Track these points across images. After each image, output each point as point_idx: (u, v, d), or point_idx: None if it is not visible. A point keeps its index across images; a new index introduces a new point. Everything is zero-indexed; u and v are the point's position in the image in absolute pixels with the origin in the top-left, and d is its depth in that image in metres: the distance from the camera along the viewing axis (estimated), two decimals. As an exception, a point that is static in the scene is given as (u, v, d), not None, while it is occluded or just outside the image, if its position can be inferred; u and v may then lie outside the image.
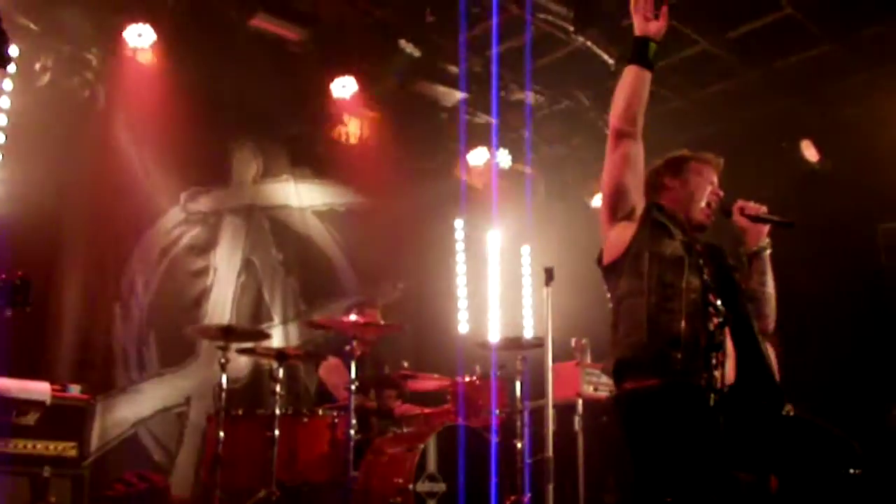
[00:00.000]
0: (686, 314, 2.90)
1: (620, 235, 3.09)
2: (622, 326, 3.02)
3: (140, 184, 6.68)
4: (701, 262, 3.02)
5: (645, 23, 3.12)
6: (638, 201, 3.11)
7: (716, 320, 2.93)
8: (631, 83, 3.10)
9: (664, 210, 3.15)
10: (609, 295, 3.17)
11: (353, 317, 5.46)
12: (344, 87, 6.96)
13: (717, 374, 2.86)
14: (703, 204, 3.20)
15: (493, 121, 7.63)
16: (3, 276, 3.39)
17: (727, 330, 2.95)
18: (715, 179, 3.27)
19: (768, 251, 3.28)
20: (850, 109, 7.23)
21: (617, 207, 3.10)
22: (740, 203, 3.28)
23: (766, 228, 3.27)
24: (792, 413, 2.99)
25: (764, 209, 3.27)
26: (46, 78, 6.04)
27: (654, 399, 2.89)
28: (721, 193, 3.25)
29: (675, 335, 2.88)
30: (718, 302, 2.96)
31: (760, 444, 2.92)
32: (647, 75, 3.11)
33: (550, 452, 4.10)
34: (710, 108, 7.43)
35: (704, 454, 2.79)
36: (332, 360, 6.11)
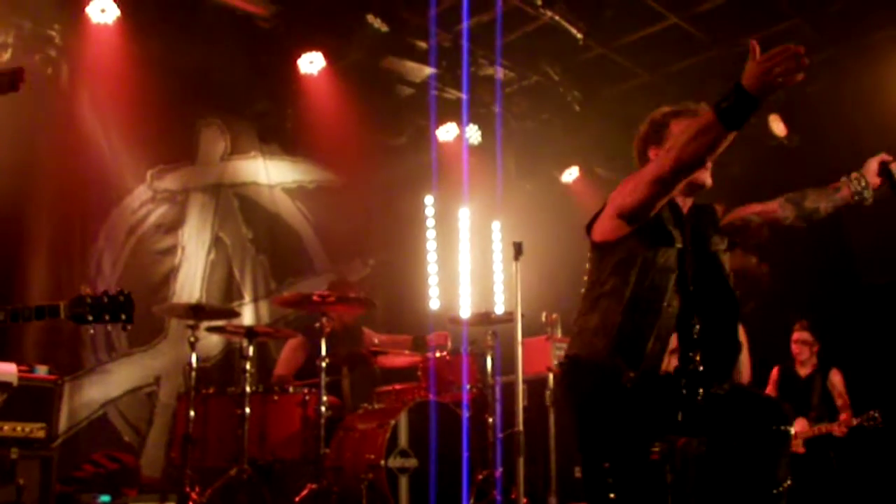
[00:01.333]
0: (655, 336, 2.93)
1: (621, 226, 2.99)
2: (592, 320, 3.02)
3: (105, 162, 6.59)
4: (689, 272, 3.00)
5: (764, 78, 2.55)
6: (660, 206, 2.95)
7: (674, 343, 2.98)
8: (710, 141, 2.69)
9: (672, 203, 3.02)
10: (588, 267, 3.14)
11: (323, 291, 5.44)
12: (311, 63, 6.88)
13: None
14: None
15: (464, 96, 7.60)
16: (105, 290, 3.55)
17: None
18: None
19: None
20: (817, 85, 7.29)
21: (630, 218, 2.96)
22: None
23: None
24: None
25: None
26: (7, 55, 5.90)
27: (593, 368, 2.97)
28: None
29: (637, 354, 2.91)
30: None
31: (697, 411, 2.98)
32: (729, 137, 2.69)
33: (521, 427, 4.13)
34: (679, 83, 7.45)
35: (642, 420, 2.91)
36: (292, 341, 6.13)
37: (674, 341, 2.99)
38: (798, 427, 6.35)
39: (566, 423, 5.22)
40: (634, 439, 2.92)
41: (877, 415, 6.13)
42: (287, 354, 6.17)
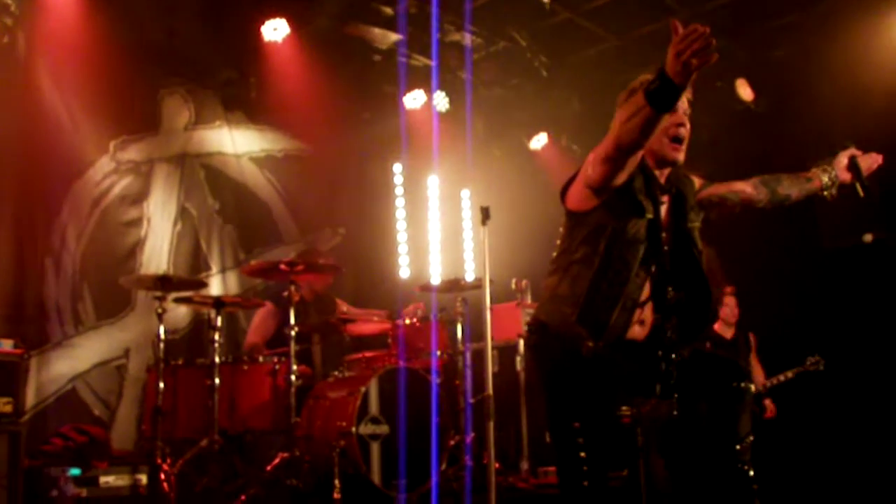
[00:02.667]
0: (621, 307, 2.95)
1: (591, 197, 3.00)
2: (562, 287, 3.03)
3: (66, 133, 6.46)
4: (663, 241, 3.01)
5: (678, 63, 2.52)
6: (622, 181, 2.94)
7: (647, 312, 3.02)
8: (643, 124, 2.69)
9: (647, 172, 3.02)
10: (561, 231, 3.14)
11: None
12: (275, 30, 6.78)
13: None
14: (665, 138, 3.00)
15: (433, 63, 7.53)
16: None
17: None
18: (680, 107, 2.98)
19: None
20: (784, 49, 7.32)
21: (595, 190, 2.97)
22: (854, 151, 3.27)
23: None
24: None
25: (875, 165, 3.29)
26: (-39, 24, 5.79)
27: (558, 336, 3.01)
28: (684, 123, 3.01)
29: (601, 325, 2.94)
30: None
31: (663, 375, 3.02)
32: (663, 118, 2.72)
33: (490, 391, 4.14)
34: (647, 47, 7.42)
35: (605, 387, 2.97)
36: (262, 310, 6.10)
37: (639, 312, 3.01)
38: None
39: (535, 384, 5.25)
40: (599, 404, 2.97)
41: (820, 359, 6.45)
42: (258, 322, 6.15)
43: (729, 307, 6.96)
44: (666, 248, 3.03)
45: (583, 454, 2.90)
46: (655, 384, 3.02)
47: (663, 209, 3.07)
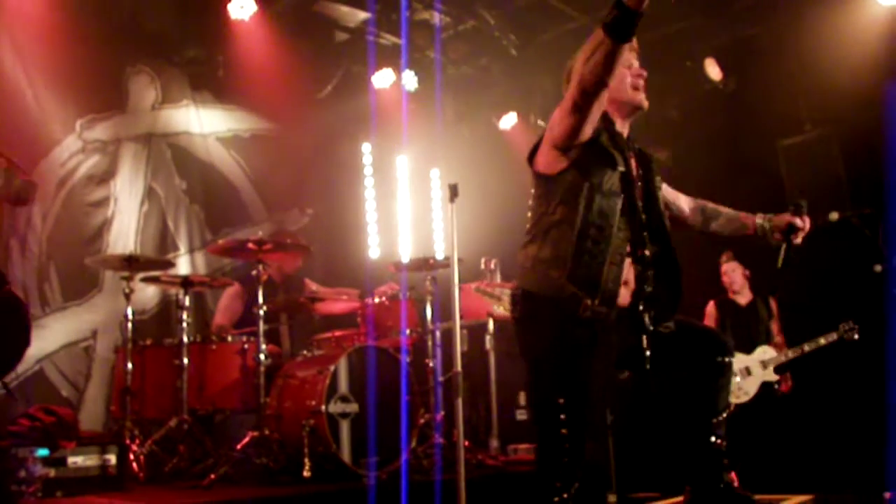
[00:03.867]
0: (609, 261, 2.92)
1: (560, 157, 3.00)
2: (543, 251, 2.99)
3: (31, 112, 6.38)
4: (636, 195, 3.02)
5: None
6: (588, 135, 2.97)
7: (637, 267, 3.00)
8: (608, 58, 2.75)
9: (611, 128, 3.05)
10: (533, 197, 3.11)
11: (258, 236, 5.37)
12: (242, 8, 6.70)
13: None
14: (629, 89, 3.08)
15: (402, 42, 7.49)
16: None
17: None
18: (634, 62, 3.12)
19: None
20: (752, 28, 7.34)
21: (563, 148, 2.98)
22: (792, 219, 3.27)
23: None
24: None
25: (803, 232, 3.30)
26: (-82, -2, 5.68)
27: (549, 302, 2.96)
28: (644, 73, 3.12)
29: (594, 281, 2.90)
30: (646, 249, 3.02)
31: (646, 345, 3.01)
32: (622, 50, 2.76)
33: (459, 368, 4.15)
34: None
35: (600, 353, 2.93)
36: (229, 290, 6.07)
37: (626, 269, 2.99)
38: (769, 355, 6.32)
39: (516, 357, 5.26)
40: (593, 373, 2.91)
41: (854, 326, 5.94)
42: (225, 303, 6.13)
43: (727, 275, 6.61)
44: (640, 203, 3.04)
45: (564, 430, 2.86)
46: (637, 354, 3.00)
47: (632, 164, 3.08)
